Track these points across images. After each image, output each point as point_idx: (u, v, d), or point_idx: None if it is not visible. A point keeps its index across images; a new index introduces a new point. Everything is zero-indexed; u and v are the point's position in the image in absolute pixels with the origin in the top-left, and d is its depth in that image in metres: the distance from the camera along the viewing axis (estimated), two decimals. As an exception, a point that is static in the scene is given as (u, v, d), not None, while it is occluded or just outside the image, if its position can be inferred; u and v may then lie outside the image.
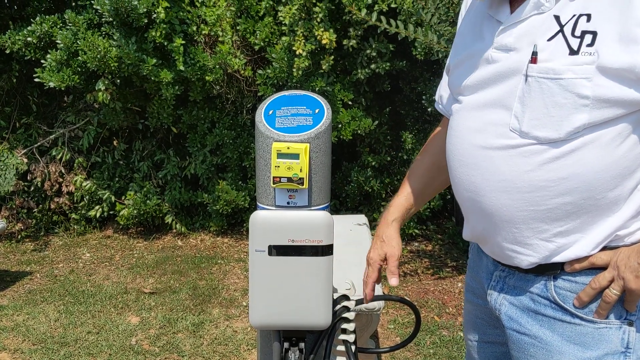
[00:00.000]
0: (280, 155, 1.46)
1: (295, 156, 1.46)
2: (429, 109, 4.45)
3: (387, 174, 4.87)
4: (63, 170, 5.06)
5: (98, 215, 5.00)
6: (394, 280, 1.45)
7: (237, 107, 4.88)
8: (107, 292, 3.85)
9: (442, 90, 1.45)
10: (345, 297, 1.67)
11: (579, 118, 1.05)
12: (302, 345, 1.56)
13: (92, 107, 5.01)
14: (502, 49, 1.14)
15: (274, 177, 1.47)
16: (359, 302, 1.70)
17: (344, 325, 1.68)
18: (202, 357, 3.02)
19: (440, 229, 5.05)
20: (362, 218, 3.61)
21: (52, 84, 4.33)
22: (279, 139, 1.47)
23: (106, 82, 4.43)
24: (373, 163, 4.71)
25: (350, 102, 4.46)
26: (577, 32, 1.04)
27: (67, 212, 5.16)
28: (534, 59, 1.07)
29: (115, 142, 5.09)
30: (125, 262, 4.45)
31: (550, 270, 1.18)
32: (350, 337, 1.68)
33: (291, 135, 1.48)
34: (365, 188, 4.68)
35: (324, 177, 1.55)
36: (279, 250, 1.45)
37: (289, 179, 1.46)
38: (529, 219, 1.14)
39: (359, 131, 4.37)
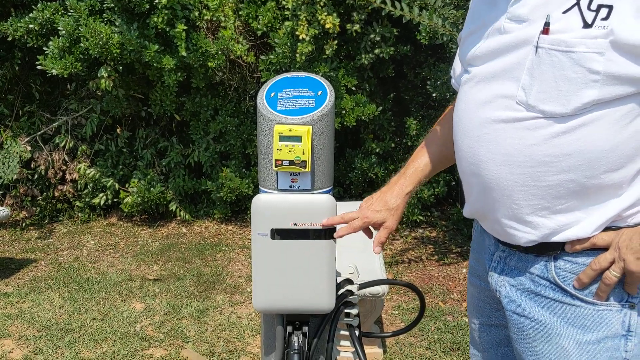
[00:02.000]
0: (282, 137, 1.44)
1: (298, 139, 1.44)
2: (434, 95, 4.41)
3: (391, 161, 4.85)
4: (66, 158, 5.05)
5: (102, 203, 5.00)
6: (378, 249, 1.46)
7: (239, 94, 4.86)
8: (112, 279, 3.86)
9: (456, 64, 1.42)
10: (349, 281, 1.66)
11: (588, 94, 1.02)
12: (305, 329, 1.55)
13: (94, 95, 5.00)
14: (515, 20, 1.11)
15: (276, 160, 1.45)
16: (362, 286, 1.69)
17: (348, 309, 1.67)
18: (206, 343, 3.03)
19: (445, 215, 5.03)
20: (366, 204, 3.59)
21: (54, 72, 4.31)
22: (280, 121, 1.45)
23: (108, 69, 4.40)
24: (377, 150, 4.69)
25: (354, 88, 4.43)
26: (593, 6, 1.01)
27: (71, 200, 5.16)
28: (545, 29, 1.04)
29: (118, 130, 5.07)
30: (129, 250, 4.46)
31: (550, 250, 1.15)
32: (354, 321, 1.67)
33: (293, 118, 1.46)
34: (369, 175, 4.66)
35: (327, 160, 1.53)
36: (281, 234, 1.43)
37: (291, 162, 1.44)
38: (529, 194, 1.12)
39: (362, 117, 4.34)
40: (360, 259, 2.60)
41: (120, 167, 5.10)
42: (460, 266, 4.02)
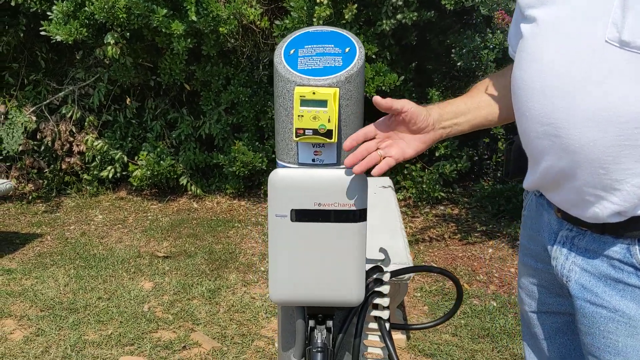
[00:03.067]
0: (305, 102, 1.22)
1: (322, 103, 1.22)
2: (459, 64, 4.15)
3: (412, 134, 4.61)
4: (74, 129, 4.87)
5: (110, 176, 4.82)
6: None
7: (252, 63, 4.63)
8: (120, 255, 3.69)
9: (512, 33, 1.20)
10: (378, 269, 1.45)
11: None
12: (329, 323, 1.35)
13: (102, 63, 4.79)
14: None
15: (296, 129, 1.23)
16: (395, 273, 1.48)
17: (377, 300, 1.47)
18: (217, 325, 2.85)
19: (467, 192, 4.80)
20: (386, 180, 3.38)
21: (59, 38, 4.09)
22: (302, 82, 1.23)
23: (115, 36, 4.18)
24: (397, 122, 4.45)
25: (374, 56, 4.17)
26: None
27: (79, 172, 4.99)
28: None
29: (128, 101, 4.87)
30: (138, 225, 4.29)
31: (633, 229, 0.97)
32: (384, 314, 1.47)
33: (317, 79, 1.24)
34: (389, 148, 4.43)
35: (356, 128, 1.31)
36: (303, 216, 1.22)
37: (315, 131, 1.23)
38: (622, 157, 0.92)
39: (383, 87, 4.10)
40: (387, 242, 2.40)
41: (129, 139, 4.91)
42: (486, 246, 3.80)
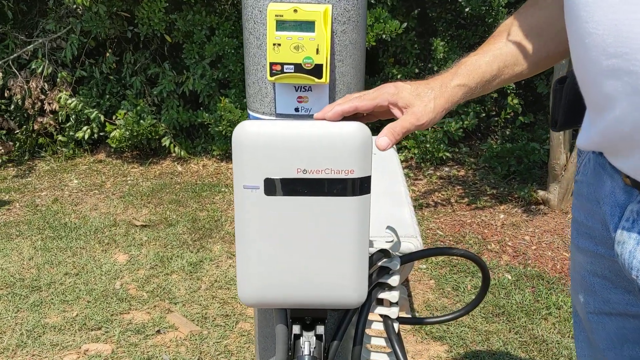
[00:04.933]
0: (282, 25, 0.86)
1: (308, 26, 0.86)
2: (467, 10, 3.75)
3: (414, 89, 4.23)
4: (45, 86, 4.46)
5: (87, 137, 4.44)
6: (383, 140, 0.86)
7: (239, 10, 4.19)
8: (93, 224, 3.35)
9: None
10: (385, 254, 1.11)
11: None
12: (321, 329, 1.01)
13: (74, 13, 4.35)
14: None
15: (271, 65, 0.87)
16: (406, 259, 1.14)
17: (383, 295, 1.13)
18: (198, 304, 2.53)
19: (473, 151, 4.45)
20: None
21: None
22: (279, -4, 0.86)
23: (84, -20, 3.75)
24: (399, 76, 4.06)
25: (372, 1, 3.75)
26: None
27: (54, 133, 4.60)
28: None
29: (107, 54, 4.44)
30: (116, 190, 3.93)
31: None
32: (392, 312, 1.13)
33: (300, -8, 0.87)
34: (389, 105, 4.05)
35: (356, 65, 0.95)
36: (282, 187, 0.87)
37: (298, 67, 0.87)
38: None
39: (383, 36, 3.70)
40: (394, 217, 2.05)
41: (107, 96, 4.51)
42: (497, 210, 3.46)
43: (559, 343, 2.23)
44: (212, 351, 2.20)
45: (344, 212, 0.89)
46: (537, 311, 2.45)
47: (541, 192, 3.44)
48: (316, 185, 0.87)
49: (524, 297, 2.56)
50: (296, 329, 1.01)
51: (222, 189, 3.89)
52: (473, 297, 2.58)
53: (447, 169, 4.19)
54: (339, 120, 0.88)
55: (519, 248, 3.02)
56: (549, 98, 4.35)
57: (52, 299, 2.55)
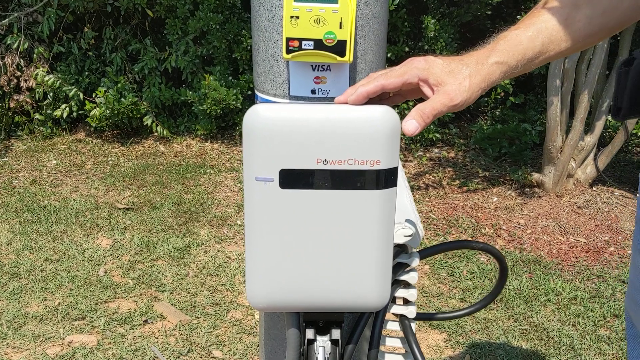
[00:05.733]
0: (302, -5, 0.75)
1: (331, -3, 0.75)
2: (461, -14, 3.63)
3: (405, 68, 4.12)
4: (21, 63, 4.27)
5: (65, 115, 4.27)
6: (410, 125, 0.76)
7: (225, -15, 4.04)
8: (74, 207, 3.21)
9: None
10: (403, 249, 1.02)
11: None
12: (336, 334, 0.92)
13: (50, -15, 4.15)
14: None
15: (288, 40, 0.77)
16: (425, 253, 1.06)
17: (401, 293, 1.04)
18: (186, 292, 2.43)
19: (463, 132, 4.37)
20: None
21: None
22: (297, -37, 0.75)
23: (61, -50, 3.56)
24: (388, 54, 3.96)
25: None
26: None
27: (31, 112, 4.43)
28: None
29: (85, 28, 4.26)
30: (97, 171, 3.79)
31: None
32: (410, 311, 1.05)
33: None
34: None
35: (379, 42, 0.85)
36: (301, 180, 0.77)
37: (318, 43, 0.76)
38: None
39: (374, 13, 3.57)
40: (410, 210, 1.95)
41: (86, 73, 4.34)
42: (489, 193, 3.40)
43: (559, 331, 2.18)
44: (203, 342, 2.11)
45: (368, 207, 0.80)
46: (536, 297, 2.39)
47: (535, 175, 3.38)
48: (338, 178, 0.78)
49: (522, 283, 2.50)
50: (309, 333, 0.92)
51: (208, 170, 3.77)
52: (470, 283, 2.53)
53: (436, 150, 4.11)
54: (364, 104, 0.78)
55: (513, 232, 2.96)
56: (542, 78, 4.29)
57: (33, 286, 2.43)
